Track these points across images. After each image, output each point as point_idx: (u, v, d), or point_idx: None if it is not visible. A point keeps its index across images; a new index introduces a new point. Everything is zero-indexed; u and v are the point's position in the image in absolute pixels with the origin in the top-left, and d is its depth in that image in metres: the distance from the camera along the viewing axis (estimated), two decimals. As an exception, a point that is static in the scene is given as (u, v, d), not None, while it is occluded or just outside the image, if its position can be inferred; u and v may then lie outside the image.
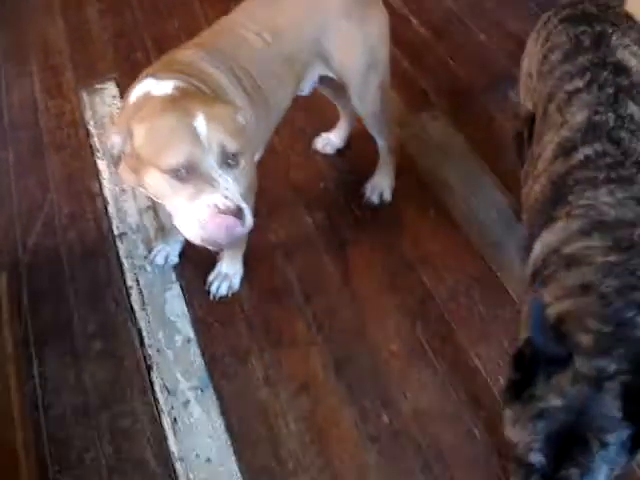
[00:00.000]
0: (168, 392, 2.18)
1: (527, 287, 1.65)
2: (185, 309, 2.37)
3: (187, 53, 1.99)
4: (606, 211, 1.54)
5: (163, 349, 2.27)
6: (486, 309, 2.33)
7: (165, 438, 2.09)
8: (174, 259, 2.45)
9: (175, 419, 2.12)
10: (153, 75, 1.85)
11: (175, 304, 2.38)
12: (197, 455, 2.05)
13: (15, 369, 2.22)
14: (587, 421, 1.30)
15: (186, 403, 2.15)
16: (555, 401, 1.33)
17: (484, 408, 2.11)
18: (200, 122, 1.66)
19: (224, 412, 2.13)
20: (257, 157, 2.19)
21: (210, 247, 1.78)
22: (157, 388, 2.19)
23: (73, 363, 2.28)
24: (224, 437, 2.08)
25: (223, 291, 2.36)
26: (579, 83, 1.80)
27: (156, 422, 2.13)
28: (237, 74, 2.00)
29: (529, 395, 1.37)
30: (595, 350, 1.35)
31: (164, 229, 2.44)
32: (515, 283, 2.30)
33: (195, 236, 1.71)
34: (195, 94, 1.79)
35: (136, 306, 2.39)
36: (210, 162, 1.66)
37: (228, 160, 1.69)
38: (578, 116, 1.74)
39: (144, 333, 2.32)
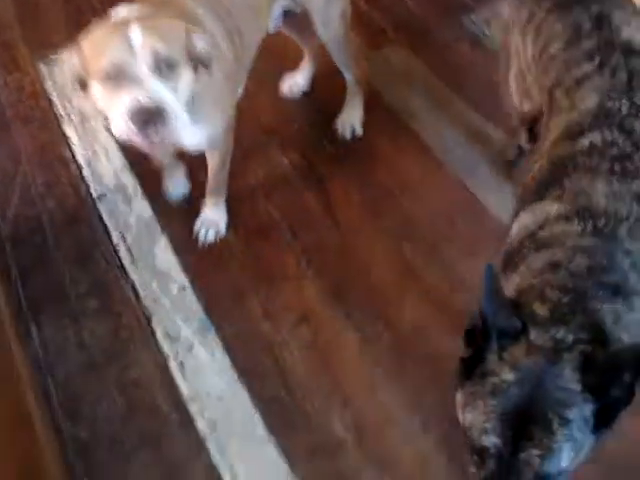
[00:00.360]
0: (171, 339, 2.21)
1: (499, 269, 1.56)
2: (175, 259, 2.39)
3: None
4: (597, 201, 1.43)
5: (159, 299, 2.30)
6: (468, 227, 2.39)
7: (174, 383, 2.12)
8: (185, 189, 2.52)
9: (182, 364, 2.16)
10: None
11: (165, 256, 2.40)
12: (208, 394, 2.09)
13: (16, 335, 2.22)
14: (544, 396, 1.20)
15: (190, 347, 2.19)
16: (508, 375, 1.22)
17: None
18: (135, 31, 1.71)
19: (229, 351, 2.17)
20: (239, 93, 2.21)
21: (144, 148, 1.90)
22: (159, 337, 2.22)
23: (72, 324, 2.29)
24: (232, 374, 2.12)
25: (211, 237, 2.39)
26: (588, 67, 1.68)
27: (163, 369, 2.16)
28: (217, 10, 2.01)
29: (481, 372, 1.27)
30: (552, 320, 1.27)
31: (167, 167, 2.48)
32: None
33: (120, 132, 1.78)
34: (150, 15, 1.81)
35: (126, 262, 2.40)
36: (140, 66, 1.71)
37: (162, 67, 1.73)
38: (588, 101, 1.62)
39: (138, 287, 2.34)
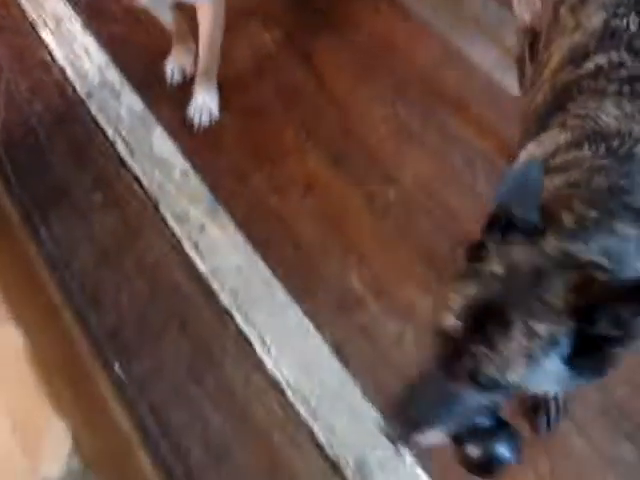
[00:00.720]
0: (181, 222, 2.24)
1: None
2: (173, 146, 2.39)
3: None
4: (607, 122, 1.31)
5: (164, 186, 2.31)
6: (458, 83, 2.41)
7: (191, 262, 2.16)
8: (190, 70, 2.48)
9: (196, 244, 2.19)
10: None
11: (162, 144, 2.41)
12: (226, 268, 2.14)
13: (28, 235, 2.24)
14: (521, 300, 1.08)
15: (202, 227, 2.22)
16: (497, 267, 1.12)
17: (480, 166, 2.22)
18: None
19: (240, 226, 2.20)
20: None
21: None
22: (169, 221, 2.25)
23: (80, 219, 2.31)
24: (247, 247, 2.16)
25: (205, 120, 2.39)
26: None
27: (178, 251, 2.19)
28: None
29: (476, 257, 1.18)
30: (575, 232, 1.16)
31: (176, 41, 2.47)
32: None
33: None
34: None
35: (124, 155, 2.40)
36: None
37: None
38: (594, 19, 1.48)
39: (140, 176, 2.35)
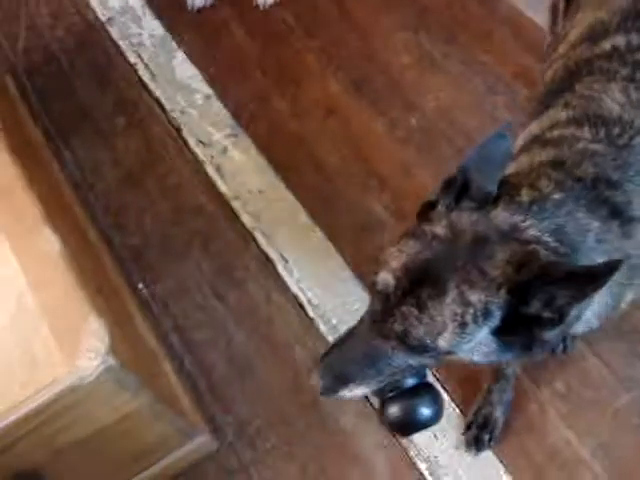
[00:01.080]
0: (203, 145, 2.26)
1: None
2: (195, 71, 2.40)
3: None
4: (610, 107, 1.26)
5: (186, 110, 2.33)
6: (481, 9, 2.40)
7: (214, 185, 2.19)
8: None
9: (218, 166, 2.21)
10: None
11: (184, 68, 2.41)
12: (249, 191, 2.16)
13: (53, 155, 2.26)
14: (459, 266, 1.04)
15: (224, 150, 2.24)
16: (440, 229, 1.08)
17: (500, 93, 2.22)
18: None
19: (263, 150, 2.22)
20: None
21: None
22: (192, 144, 2.27)
23: (103, 142, 2.33)
24: (269, 170, 2.18)
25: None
26: None
27: (201, 173, 2.22)
28: None
29: (425, 216, 1.14)
30: (527, 207, 1.11)
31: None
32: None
33: None
34: None
35: (146, 79, 2.41)
36: None
37: None
38: None
39: (162, 101, 2.36)
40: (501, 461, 1.73)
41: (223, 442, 1.85)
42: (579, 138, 1.23)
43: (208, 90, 2.35)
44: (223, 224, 2.12)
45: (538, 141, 1.30)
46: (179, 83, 2.39)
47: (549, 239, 1.08)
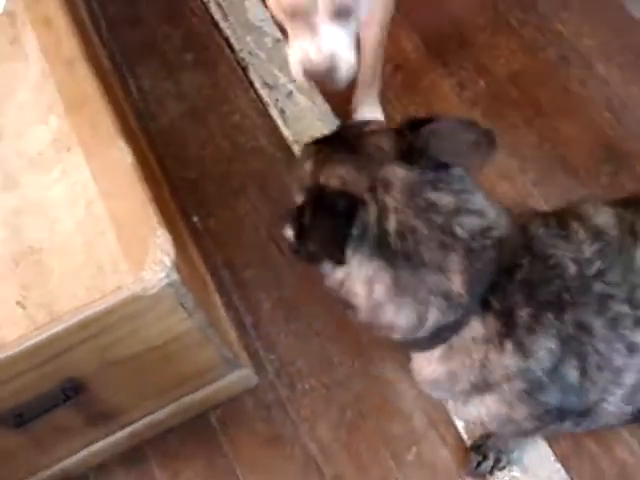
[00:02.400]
0: (269, 87, 2.26)
1: None
2: (267, 15, 2.38)
3: None
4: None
5: (255, 51, 2.32)
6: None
7: (276, 127, 2.18)
8: None
9: (282, 110, 2.21)
10: None
11: (257, 10, 2.40)
12: (311, 136, 2.13)
13: (118, 82, 2.27)
14: None
15: (289, 94, 2.23)
16: None
17: (574, 66, 2.19)
18: None
19: (327, 97, 2.20)
20: None
21: None
22: (258, 85, 2.27)
23: (169, 75, 2.33)
24: (332, 118, 2.18)
25: None
26: None
27: (264, 115, 2.21)
28: None
29: None
30: None
31: None
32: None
33: (295, 75, 1.64)
34: None
35: (218, 17, 2.40)
36: (317, 14, 1.47)
37: (341, 14, 1.49)
38: None
39: (232, 40, 2.35)
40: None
41: (263, 379, 1.86)
42: (575, 248, 1.11)
43: (278, 34, 2.34)
44: (282, 167, 2.12)
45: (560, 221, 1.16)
46: (250, 25, 2.38)
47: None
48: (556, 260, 1.07)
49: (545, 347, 1.03)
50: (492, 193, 1.91)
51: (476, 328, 1.05)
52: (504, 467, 1.75)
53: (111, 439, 1.79)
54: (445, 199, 1.05)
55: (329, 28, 1.49)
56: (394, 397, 1.81)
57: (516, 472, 1.76)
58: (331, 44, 1.51)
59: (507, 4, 2.31)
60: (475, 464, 1.75)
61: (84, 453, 1.79)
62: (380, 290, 1.05)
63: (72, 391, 1.47)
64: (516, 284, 1.05)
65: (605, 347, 1.06)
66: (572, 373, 1.05)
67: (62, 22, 1.59)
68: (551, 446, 1.76)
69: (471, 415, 1.16)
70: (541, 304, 1.04)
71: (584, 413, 1.12)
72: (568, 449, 1.76)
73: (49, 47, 1.55)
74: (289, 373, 1.86)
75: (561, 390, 1.06)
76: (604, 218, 1.14)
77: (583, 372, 1.06)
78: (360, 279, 1.06)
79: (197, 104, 2.26)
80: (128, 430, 1.78)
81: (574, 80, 2.17)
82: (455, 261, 1.03)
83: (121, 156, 1.40)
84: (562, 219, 1.14)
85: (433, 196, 1.04)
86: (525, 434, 1.40)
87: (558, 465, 1.75)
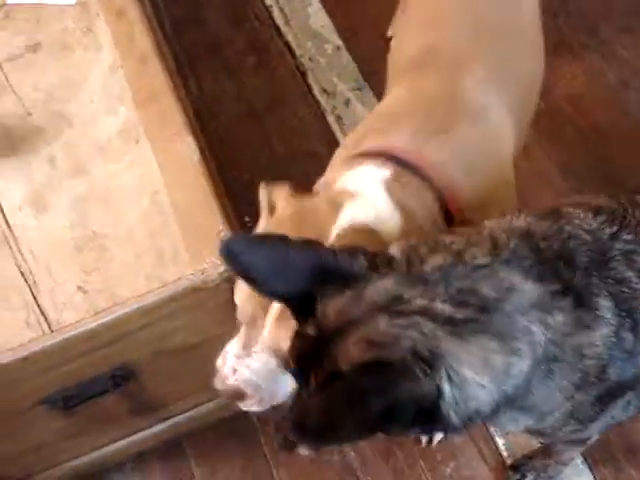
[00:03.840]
0: (327, 94, 2.28)
1: None
2: (328, 21, 2.41)
3: None
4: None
5: (315, 57, 2.35)
6: (626, 3, 2.35)
7: (332, 134, 2.20)
8: None
9: (339, 116, 2.23)
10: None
11: (318, 17, 2.43)
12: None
13: (180, 81, 2.30)
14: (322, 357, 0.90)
15: (347, 102, 2.25)
16: (310, 330, 0.93)
17: (635, 89, 2.18)
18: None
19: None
20: None
21: None
22: (316, 92, 2.29)
23: (229, 77, 2.36)
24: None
25: None
26: None
27: (321, 121, 2.23)
28: None
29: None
30: (424, 274, 0.92)
31: None
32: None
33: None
34: None
35: (280, 22, 2.43)
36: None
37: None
38: None
39: (293, 45, 2.38)
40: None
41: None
42: (581, 222, 1.07)
43: (338, 41, 2.36)
44: (336, 174, 2.12)
45: (551, 210, 1.12)
46: (311, 31, 2.40)
47: (444, 306, 0.89)
48: (568, 233, 1.04)
49: (607, 306, 1.01)
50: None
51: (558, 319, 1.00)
52: (542, 491, 1.74)
53: (153, 430, 1.80)
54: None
55: (261, 357, 1.17)
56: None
57: (555, 495, 1.74)
58: (252, 371, 1.19)
59: (570, 27, 2.30)
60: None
61: (125, 442, 1.81)
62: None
63: (122, 378, 1.50)
64: (553, 261, 1.00)
65: None
66: (628, 337, 1.03)
67: (134, 15, 1.63)
68: (592, 471, 1.74)
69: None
70: (583, 269, 1.01)
71: (634, 386, 1.11)
72: (609, 475, 1.74)
73: (122, 39, 1.59)
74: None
75: (621, 360, 1.04)
76: (600, 200, 1.13)
77: (635, 332, 1.04)
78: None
79: (255, 106, 2.28)
80: (171, 422, 1.80)
81: (634, 104, 2.16)
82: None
83: (188, 151, 1.43)
84: (556, 210, 1.11)
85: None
86: (577, 440, 1.38)
87: (598, 491, 1.73)
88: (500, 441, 1.78)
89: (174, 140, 1.43)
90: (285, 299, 0.95)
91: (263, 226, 1.23)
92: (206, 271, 1.30)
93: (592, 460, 1.75)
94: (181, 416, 1.79)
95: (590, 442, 1.43)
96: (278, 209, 1.22)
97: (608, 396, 1.08)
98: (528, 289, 0.94)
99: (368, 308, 0.88)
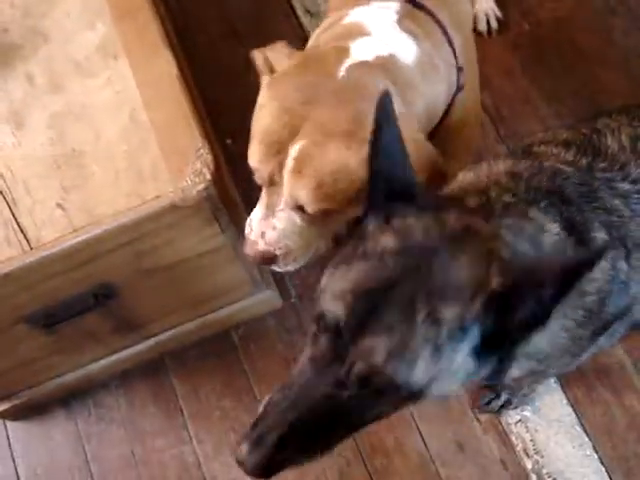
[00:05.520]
0: (311, 14, 2.25)
1: None
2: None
3: None
4: (609, 144, 1.16)
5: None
6: None
7: (315, 55, 2.16)
8: None
9: (322, 38, 2.19)
10: None
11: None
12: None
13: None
14: (422, 279, 0.85)
15: (330, 23, 2.21)
16: (389, 241, 0.89)
17: (621, 15, 2.16)
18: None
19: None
20: None
21: None
22: (299, 12, 2.26)
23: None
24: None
25: (494, 24, 2.17)
26: None
27: (304, 42, 2.17)
28: None
29: (358, 235, 0.94)
30: (479, 208, 0.98)
31: None
32: None
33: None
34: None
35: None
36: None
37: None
38: None
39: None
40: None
41: (286, 301, 1.89)
42: (556, 157, 1.11)
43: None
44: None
45: (522, 150, 1.18)
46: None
47: (508, 234, 0.92)
48: (551, 169, 1.07)
49: (603, 238, 1.02)
50: (528, 135, 1.93)
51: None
52: (515, 407, 1.78)
53: (135, 348, 1.83)
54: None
55: (284, 215, 1.22)
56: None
57: (527, 412, 1.79)
58: (278, 230, 1.23)
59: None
60: (486, 400, 1.78)
61: (108, 360, 1.84)
62: None
63: (103, 297, 1.51)
64: (542, 196, 1.03)
65: (634, 225, 1.07)
66: (623, 266, 1.05)
67: None
68: (564, 390, 1.79)
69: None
70: (573, 202, 1.04)
71: (624, 315, 1.13)
72: (580, 394, 1.79)
73: (98, -46, 1.55)
74: (312, 299, 1.88)
75: (618, 291, 1.06)
76: (564, 134, 1.18)
77: (629, 260, 1.06)
78: None
79: (237, 27, 2.25)
80: (152, 341, 1.82)
81: (619, 31, 2.14)
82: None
83: (167, 67, 1.41)
84: (528, 147, 1.16)
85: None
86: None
87: (569, 409, 1.78)
88: (476, 361, 1.81)
89: (152, 55, 1.42)
90: (384, 180, 0.93)
91: (266, 84, 1.24)
92: (185, 189, 1.30)
93: (564, 380, 1.79)
94: (162, 335, 1.81)
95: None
96: (281, 66, 1.25)
97: (603, 329, 1.11)
98: (552, 229, 0.99)
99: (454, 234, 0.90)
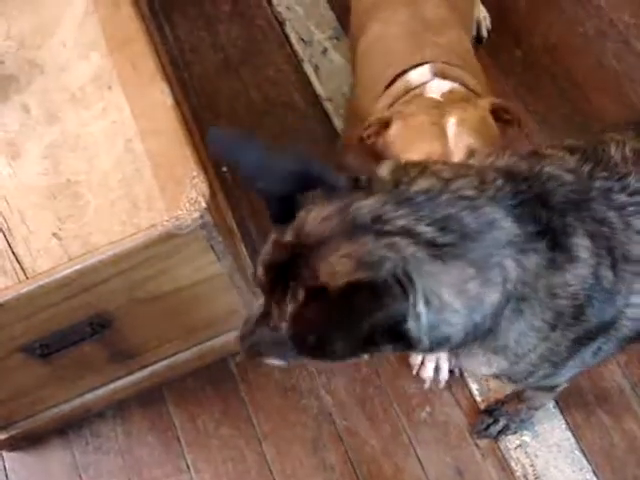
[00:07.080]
0: (305, 43, 2.26)
1: None
2: (307, -30, 2.38)
3: None
4: (612, 154, 1.14)
5: (292, 6, 2.33)
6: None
7: (310, 84, 2.19)
8: None
9: (316, 66, 2.22)
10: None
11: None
12: (343, 94, 2.16)
13: (155, 28, 2.27)
14: (298, 269, 0.92)
15: (324, 51, 2.24)
16: (287, 235, 0.95)
17: (611, 40, 2.18)
18: (451, 125, 1.45)
19: (362, 57, 2.20)
20: None
21: None
22: (293, 41, 2.27)
23: (205, 26, 2.34)
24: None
25: None
26: None
27: (298, 70, 2.22)
28: None
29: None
30: (409, 195, 0.94)
31: None
32: None
33: None
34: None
35: (255, -27, 2.40)
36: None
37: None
38: None
39: (270, -6, 2.35)
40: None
41: (284, 330, 1.88)
42: (560, 161, 1.10)
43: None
44: (313, 123, 2.13)
45: (533, 153, 1.15)
46: (287, -19, 2.38)
47: (427, 228, 0.91)
48: (548, 174, 1.07)
49: (584, 245, 1.02)
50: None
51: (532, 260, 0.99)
52: (513, 432, 1.78)
53: (132, 378, 1.82)
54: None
55: None
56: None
57: (526, 437, 1.78)
58: None
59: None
60: (484, 426, 1.78)
61: (104, 390, 1.83)
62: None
63: (99, 326, 1.51)
64: (532, 203, 1.02)
65: (625, 237, 1.06)
66: (608, 275, 1.05)
67: (106, -40, 1.59)
68: (563, 415, 1.78)
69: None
70: (559, 210, 1.03)
71: (609, 329, 1.13)
72: (580, 418, 1.78)
73: (94, -15, 1.56)
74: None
75: (601, 301, 1.06)
76: (569, 141, 1.18)
77: (615, 270, 1.06)
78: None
79: (231, 56, 2.27)
80: (149, 370, 1.81)
81: (610, 55, 2.16)
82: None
83: (162, 97, 1.42)
84: (535, 152, 1.15)
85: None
86: (547, 387, 1.41)
87: (569, 433, 1.77)
88: (474, 386, 1.81)
89: (147, 85, 1.43)
90: (267, 199, 0.98)
91: None
92: (180, 217, 1.30)
93: (564, 404, 1.78)
94: (159, 364, 1.81)
95: (559, 389, 1.47)
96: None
97: (585, 338, 1.11)
98: (507, 227, 0.96)
99: (354, 224, 0.91)
